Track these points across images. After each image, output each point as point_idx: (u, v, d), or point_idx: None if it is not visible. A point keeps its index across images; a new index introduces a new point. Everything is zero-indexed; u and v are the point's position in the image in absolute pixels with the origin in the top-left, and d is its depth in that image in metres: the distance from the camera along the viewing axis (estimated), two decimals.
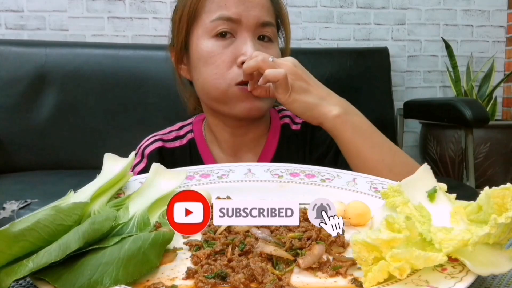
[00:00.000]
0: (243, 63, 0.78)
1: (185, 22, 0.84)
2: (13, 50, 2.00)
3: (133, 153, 0.62)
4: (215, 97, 0.83)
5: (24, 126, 1.96)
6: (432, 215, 0.46)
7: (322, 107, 0.75)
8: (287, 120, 0.95)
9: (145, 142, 0.92)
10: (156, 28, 2.27)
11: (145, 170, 0.86)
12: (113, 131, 1.99)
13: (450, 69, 2.37)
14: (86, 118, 2.00)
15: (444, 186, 0.51)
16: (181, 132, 0.94)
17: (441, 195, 0.49)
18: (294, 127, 0.94)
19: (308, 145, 0.92)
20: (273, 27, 0.84)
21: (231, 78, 0.79)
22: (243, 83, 0.79)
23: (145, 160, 0.89)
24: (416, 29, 2.46)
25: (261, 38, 0.83)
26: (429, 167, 0.53)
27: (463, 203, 0.48)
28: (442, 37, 2.41)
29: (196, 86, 0.87)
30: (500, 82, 2.42)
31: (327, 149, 0.89)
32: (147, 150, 0.90)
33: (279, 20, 0.89)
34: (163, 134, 0.94)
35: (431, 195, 0.50)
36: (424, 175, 0.53)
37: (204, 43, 0.82)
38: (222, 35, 0.80)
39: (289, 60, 0.76)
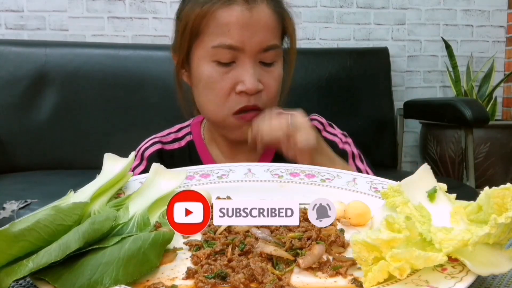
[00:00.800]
0: (241, 92, 0.78)
1: (187, 38, 0.82)
2: (13, 50, 2.00)
3: (133, 153, 0.62)
4: (212, 122, 0.86)
5: (24, 126, 1.96)
6: (432, 215, 0.46)
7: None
8: None
9: (144, 144, 0.92)
10: (156, 28, 2.27)
11: (145, 172, 0.86)
12: (113, 131, 1.99)
13: (450, 69, 2.37)
14: (86, 118, 2.00)
15: (444, 186, 0.51)
16: (180, 134, 0.94)
17: (441, 195, 0.49)
18: None
19: None
20: (277, 49, 0.82)
21: (229, 107, 0.80)
22: (241, 111, 0.80)
23: (144, 163, 0.89)
24: (416, 29, 2.46)
25: (263, 62, 0.81)
26: (429, 167, 0.53)
27: (463, 203, 0.48)
28: (442, 37, 2.40)
29: (195, 100, 0.87)
30: (500, 82, 2.42)
31: None
32: (147, 153, 0.90)
33: (286, 34, 0.87)
34: (161, 136, 0.93)
35: (431, 195, 0.50)
36: (424, 175, 0.53)
37: (204, 67, 0.80)
38: (222, 62, 0.79)
39: (301, 117, 0.77)
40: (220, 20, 0.78)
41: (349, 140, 0.93)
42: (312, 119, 0.94)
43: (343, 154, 0.89)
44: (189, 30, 0.81)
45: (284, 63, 0.88)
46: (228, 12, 0.77)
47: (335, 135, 0.94)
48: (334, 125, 0.96)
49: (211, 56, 0.79)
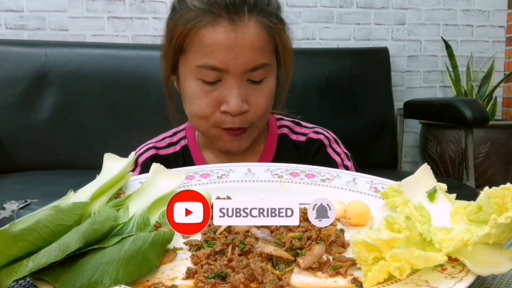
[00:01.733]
0: (225, 112, 0.77)
1: (173, 51, 0.80)
2: (13, 50, 2.00)
3: (133, 153, 0.62)
4: (199, 131, 0.87)
5: (24, 126, 1.96)
6: (432, 215, 0.46)
7: None
8: (285, 130, 0.93)
9: (139, 150, 0.91)
10: (156, 28, 2.27)
11: None
12: (113, 131, 1.99)
13: (450, 69, 2.37)
14: (86, 118, 2.00)
15: (444, 186, 0.51)
16: (175, 139, 0.93)
17: (441, 195, 0.49)
18: (294, 137, 0.92)
19: (311, 162, 0.90)
20: (266, 68, 0.78)
21: (214, 122, 0.79)
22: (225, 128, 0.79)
23: (138, 169, 0.88)
24: (416, 29, 2.46)
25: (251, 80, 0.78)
26: (429, 167, 0.53)
27: (463, 203, 0.48)
28: (442, 37, 2.40)
29: (184, 108, 0.85)
30: (500, 82, 2.42)
31: None
32: (141, 159, 0.89)
33: (278, 49, 0.82)
34: (156, 142, 0.93)
35: (431, 195, 0.50)
36: (424, 175, 0.53)
37: (189, 83, 0.79)
38: (207, 82, 0.77)
39: None
40: (203, 40, 0.75)
41: (350, 164, 0.89)
42: (317, 132, 0.92)
43: None
44: (174, 45, 0.79)
45: (279, 70, 0.85)
46: (212, 32, 0.74)
47: (338, 154, 0.90)
48: (340, 142, 0.93)
49: (195, 74, 0.77)
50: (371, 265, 0.40)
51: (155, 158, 0.89)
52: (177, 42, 0.79)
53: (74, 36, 2.25)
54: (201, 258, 0.45)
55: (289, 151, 0.91)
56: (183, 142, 0.92)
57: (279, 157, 0.90)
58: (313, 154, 0.91)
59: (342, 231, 0.53)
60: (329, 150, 0.90)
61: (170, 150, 0.91)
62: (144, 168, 0.87)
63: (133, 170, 0.88)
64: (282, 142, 0.92)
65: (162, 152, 0.91)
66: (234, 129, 0.79)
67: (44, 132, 1.97)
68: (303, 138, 0.92)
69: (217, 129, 0.80)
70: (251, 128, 0.81)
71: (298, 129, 0.93)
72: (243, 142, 0.83)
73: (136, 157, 0.90)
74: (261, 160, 0.90)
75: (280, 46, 0.81)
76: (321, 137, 0.91)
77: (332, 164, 0.87)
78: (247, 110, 0.78)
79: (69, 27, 2.25)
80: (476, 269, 0.40)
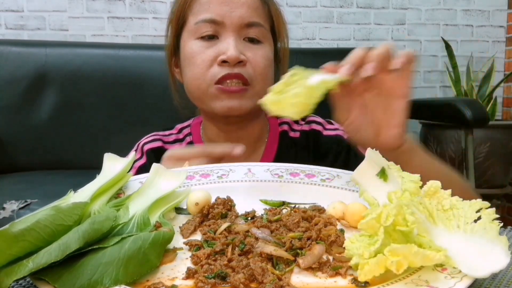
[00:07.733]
0: (223, 61, 0.78)
1: (174, 25, 0.85)
2: (13, 50, 1.99)
3: (133, 153, 0.63)
4: (197, 97, 0.84)
5: (25, 126, 1.96)
6: (380, 197, 0.46)
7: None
8: (285, 127, 0.93)
9: (145, 139, 0.92)
10: (156, 28, 2.27)
11: (145, 166, 0.86)
12: (113, 131, 1.99)
13: (450, 69, 2.37)
14: (86, 118, 2.00)
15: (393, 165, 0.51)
16: (180, 135, 0.94)
17: (393, 172, 0.49)
18: (292, 134, 0.92)
19: (312, 154, 0.90)
20: (261, 28, 0.82)
21: (211, 77, 0.79)
22: (223, 79, 0.79)
23: (144, 157, 0.89)
24: (416, 29, 2.46)
25: (249, 39, 0.81)
26: (374, 150, 0.53)
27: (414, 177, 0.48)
28: (442, 37, 2.40)
29: (185, 88, 0.87)
30: (500, 82, 2.42)
31: (334, 159, 0.87)
32: (146, 147, 0.90)
33: (274, 21, 0.87)
34: (163, 135, 0.93)
35: (382, 175, 0.50)
36: (373, 159, 0.53)
37: (188, 45, 0.82)
38: (205, 37, 0.80)
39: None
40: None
41: None
42: (309, 121, 0.93)
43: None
44: (175, 19, 0.84)
45: (277, 62, 0.88)
46: None
47: (336, 129, 0.91)
48: (332, 121, 0.93)
49: (194, 33, 0.81)
50: (368, 259, 0.41)
51: (160, 150, 0.89)
52: (178, 12, 0.84)
53: (74, 36, 2.25)
54: (201, 258, 0.45)
55: (290, 148, 0.91)
56: (188, 139, 0.93)
57: (280, 154, 0.90)
58: (312, 142, 0.91)
59: (342, 231, 0.53)
60: (327, 133, 0.91)
61: (176, 146, 0.92)
62: (149, 157, 0.88)
63: (139, 159, 0.88)
64: (283, 139, 0.92)
65: (168, 146, 0.91)
66: (231, 75, 0.78)
67: (44, 132, 1.97)
68: (297, 134, 0.92)
69: (216, 87, 0.79)
70: (251, 89, 0.80)
71: (296, 126, 0.93)
72: (244, 101, 0.81)
73: (142, 145, 0.90)
74: (263, 157, 0.90)
75: (274, 15, 0.86)
76: (313, 125, 0.92)
77: (336, 141, 0.88)
78: (245, 60, 0.79)
79: (69, 27, 2.25)
80: (470, 271, 0.40)
